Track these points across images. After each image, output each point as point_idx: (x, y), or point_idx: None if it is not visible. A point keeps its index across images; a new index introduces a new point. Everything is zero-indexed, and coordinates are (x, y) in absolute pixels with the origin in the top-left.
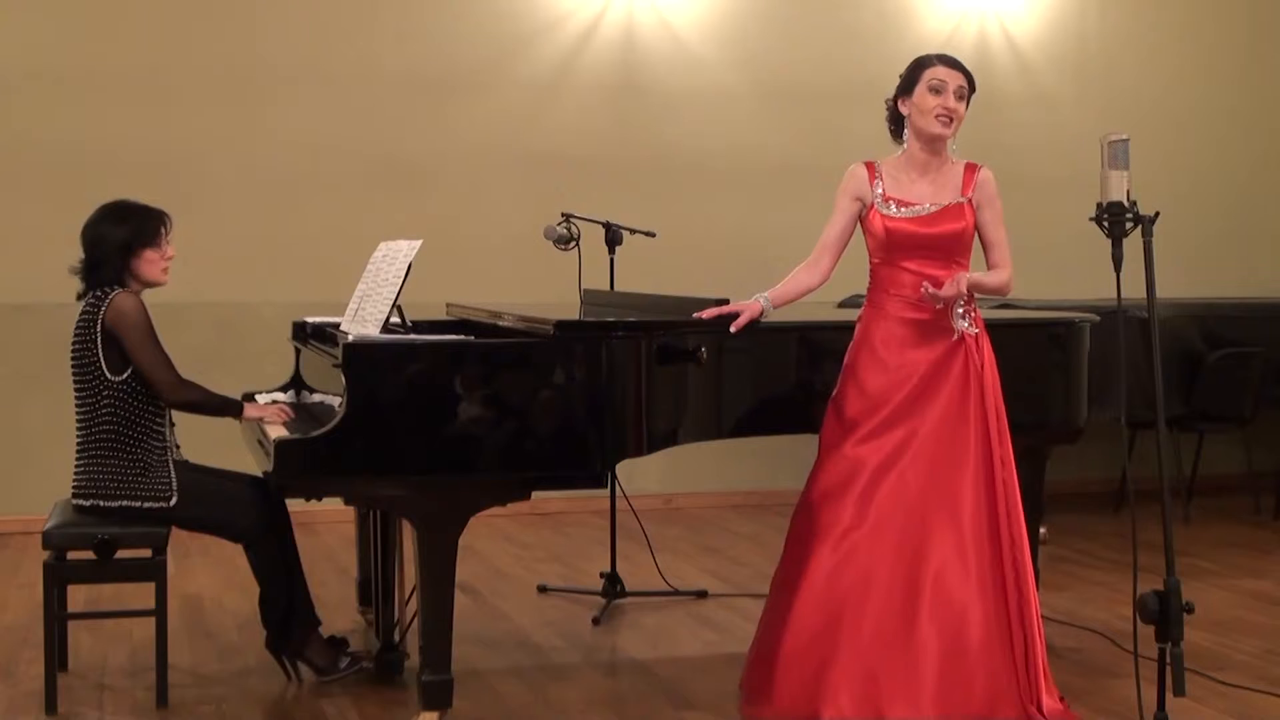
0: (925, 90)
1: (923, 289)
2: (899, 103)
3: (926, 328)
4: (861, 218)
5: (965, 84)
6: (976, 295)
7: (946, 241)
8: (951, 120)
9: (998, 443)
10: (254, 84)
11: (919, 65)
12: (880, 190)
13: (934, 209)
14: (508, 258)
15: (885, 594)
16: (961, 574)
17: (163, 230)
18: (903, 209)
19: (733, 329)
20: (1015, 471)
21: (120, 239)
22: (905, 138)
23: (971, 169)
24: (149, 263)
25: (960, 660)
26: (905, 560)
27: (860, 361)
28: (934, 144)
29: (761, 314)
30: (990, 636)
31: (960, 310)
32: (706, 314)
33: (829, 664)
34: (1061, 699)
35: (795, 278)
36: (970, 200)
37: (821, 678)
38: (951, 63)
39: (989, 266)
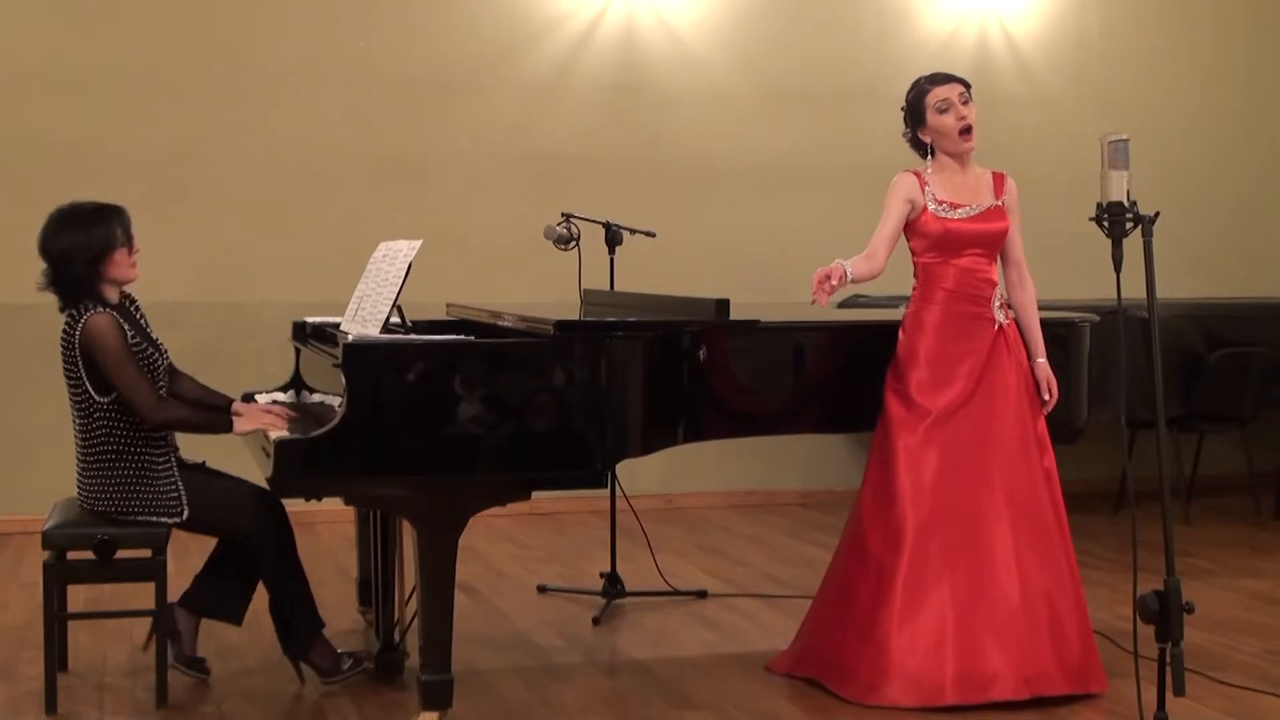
0: (935, 115)
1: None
2: (918, 134)
3: (975, 319)
4: (910, 219)
5: (964, 89)
6: (1002, 292)
7: (994, 238)
8: (971, 129)
9: (1041, 421)
10: (254, 84)
11: (918, 95)
12: (931, 194)
13: (979, 209)
14: (508, 258)
15: (984, 572)
16: (1033, 548)
17: (123, 231)
18: (955, 210)
19: (822, 299)
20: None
21: (85, 252)
22: (936, 156)
23: (1000, 176)
24: (118, 265)
25: (1058, 626)
26: (985, 541)
27: (921, 352)
28: (964, 155)
29: (845, 276)
30: (1069, 610)
31: (998, 304)
32: (818, 292)
33: (944, 646)
34: None
35: (858, 268)
36: (1003, 204)
37: (940, 661)
38: (943, 79)
39: (1011, 278)
